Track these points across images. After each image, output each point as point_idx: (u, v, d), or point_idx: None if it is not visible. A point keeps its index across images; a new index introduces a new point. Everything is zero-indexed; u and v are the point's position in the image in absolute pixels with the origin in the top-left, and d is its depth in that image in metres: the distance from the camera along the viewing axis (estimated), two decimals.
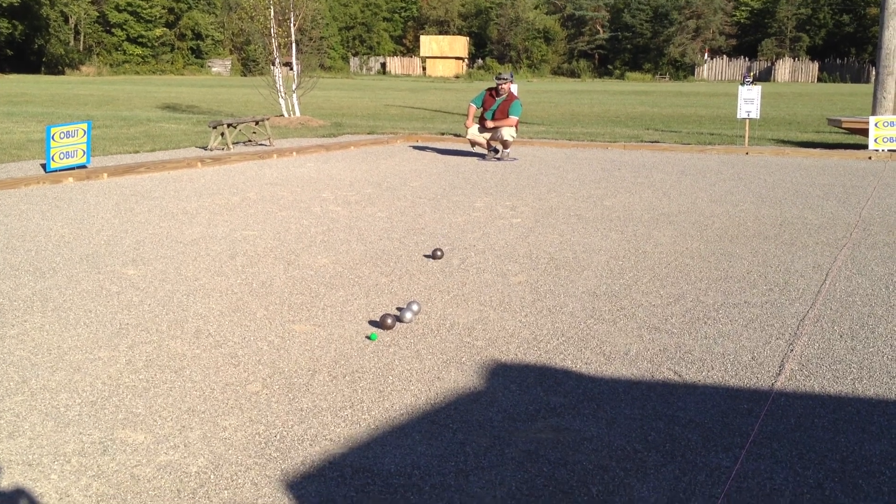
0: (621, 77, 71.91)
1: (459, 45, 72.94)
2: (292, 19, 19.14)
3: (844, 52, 71.05)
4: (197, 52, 70.29)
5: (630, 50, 74.59)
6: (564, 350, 4.22)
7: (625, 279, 5.64)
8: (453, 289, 5.36)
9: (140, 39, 66.39)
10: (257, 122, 14.79)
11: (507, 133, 12.63)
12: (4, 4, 56.61)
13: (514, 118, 12.61)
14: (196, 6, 69.89)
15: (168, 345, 4.24)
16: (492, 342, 4.33)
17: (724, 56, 74.40)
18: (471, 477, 2.90)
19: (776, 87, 55.64)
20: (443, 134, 16.85)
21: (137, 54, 66.71)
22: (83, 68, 63.03)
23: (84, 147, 10.67)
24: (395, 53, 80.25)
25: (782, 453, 3.10)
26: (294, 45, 19.33)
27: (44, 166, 10.65)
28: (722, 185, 10.30)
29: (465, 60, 73.94)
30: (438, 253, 5.92)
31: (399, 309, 4.78)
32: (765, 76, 69.59)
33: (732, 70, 72.06)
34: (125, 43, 66.34)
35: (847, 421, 3.39)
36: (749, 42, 75.85)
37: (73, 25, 65.37)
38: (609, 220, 7.84)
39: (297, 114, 19.34)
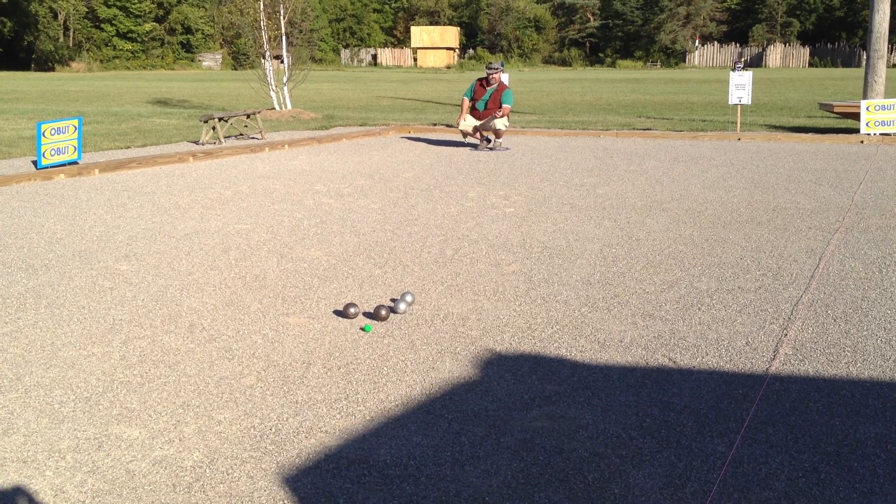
0: (612, 65, 71.85)
1: (450, 35, 72.76)
2: (282, 12, 19.08)
3: (835, 37, 71.08)
4: (187, 47, 69.99)
5: (621, 38, 74.49)
6: (559, 338, 4.22)
7: (618, 267, 5.64)
8: (447, 279, 5.36)
9: (130, 35, 66.05)
10: (249, 116, 14.75)
11: (500, 123, 12.62)
12: None
13: (507, 106, 12.60)
14: (185, 0, 69.57)
15: (162, 340, 4.23)
16: (486, 332, 4.33)
17: (715, 42, 74.38)
18: (467, 466, 2.90)
19: (767, 72, 55.64)
20: (435, 125, 16.82)
21: (127, 49, 66.38)
22: (73, 64, 62.75)
23: (75, 143, 10.63)
24: (385, 45, 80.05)
25: (777, 438, 3.10)
26: (284, 37, 19.27)
27: (35, 163, 10.61)
28: (714, 171, 10.30)
29: (456, 51, 73.77)
30: (352, 311, 4.52)
31: (393, 300, 4.77)
32: (756, 62, 69.59)
33: (723, 56, 72.07)
34: (115, 38, 66.00)
35: (842, 404, 3.40)
36: (740, 28, 75.83)
37: (62, 21, 65.01)
38: (602, 208, 7.84)
39: (289, 107, 19.29)
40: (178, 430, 3.20)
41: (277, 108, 19.06)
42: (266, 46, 19.07)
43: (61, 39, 64.88)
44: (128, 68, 64.40)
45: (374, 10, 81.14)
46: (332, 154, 12.42)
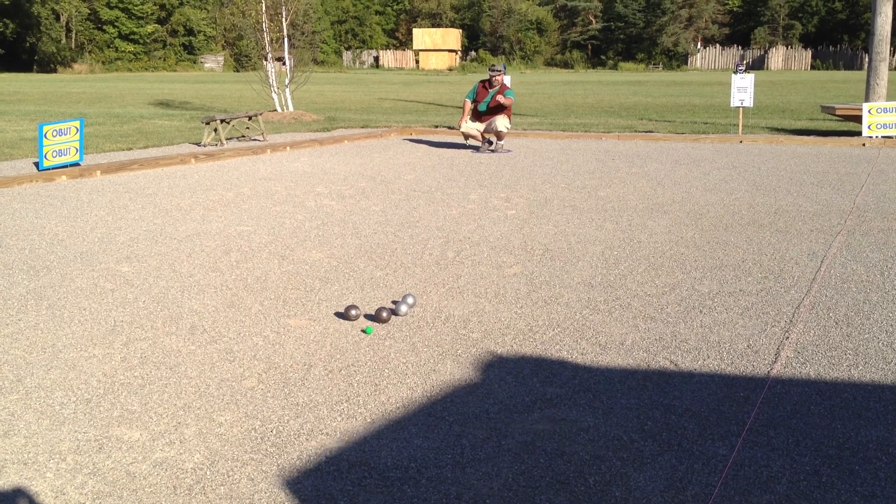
0: (615, 67, 71.85)
1: (452, 37, 72.74)
2: (284, 14, 19.09)
3: (837, 39, 71.07)
4: (189, 49, 70.04)
5: (623, 40, 74.50)
6: (560, 341, 4.22)
7: (620, 269, 5.64)
8: (448, 281, 5.35)
9: (132, 36, 66.11)
10: (250, 118, 14.76)
11: (502, 124, 12.62)
12: None
13: (510, 98, 12.60)
14: (188, 2, 69.62)
15: (163, 341, 4.23)
16: (487, 334, 4.33)
17: (717, 45, 74.38)
18: (468, 469, 2.90)
19: (769, 75, 55.64)
20: (437, 127, 16.82)
21: (129, 51, 66.43)
22: (75, 66, 62.77)
23: (77, 145, 10.64)
24: (387, 47, 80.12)
25: (778, 441, 3.10)
26: (286, 39, 19.29)
27: (37, 164, 10.61)
28: (716, 173, 10.30)
29: (458, 53, 73.78)
30: (353, 313, 4.52)
31: (394, 302, 4.77)
32: (758, 64, 69.58)
33: (725, 59, 72.06)
34: (117, 40, 66.04)
35: (843, 407, 3.39)
36: (742, 30, 75.84)
37: (64, 23, 65.05)
38: (604, 210, 7.84)
39: (291, 108, 19.30)
40: (178, 432, 3.19)
41: (279, 109, 19.07)
42: (268, 48, 19.08)
43: (63, 41, 64.93)
44: (130, 70, 64.44)
45: (377, 13, 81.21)
46: (334, 156, 12.42)
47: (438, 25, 76.63)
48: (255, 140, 14.42)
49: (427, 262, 5.88)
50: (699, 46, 73.81)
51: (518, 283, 5.31)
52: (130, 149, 12.98)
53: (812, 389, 3.58)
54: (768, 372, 3.78)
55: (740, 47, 73.14)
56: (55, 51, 62.79)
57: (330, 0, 75.39)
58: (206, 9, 70.37)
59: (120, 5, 65.00)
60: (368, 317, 4.59)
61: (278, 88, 19.25)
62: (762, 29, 74.01)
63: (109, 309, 4.78)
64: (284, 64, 19.57)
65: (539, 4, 78.05)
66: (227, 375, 3.77)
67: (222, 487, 2.79)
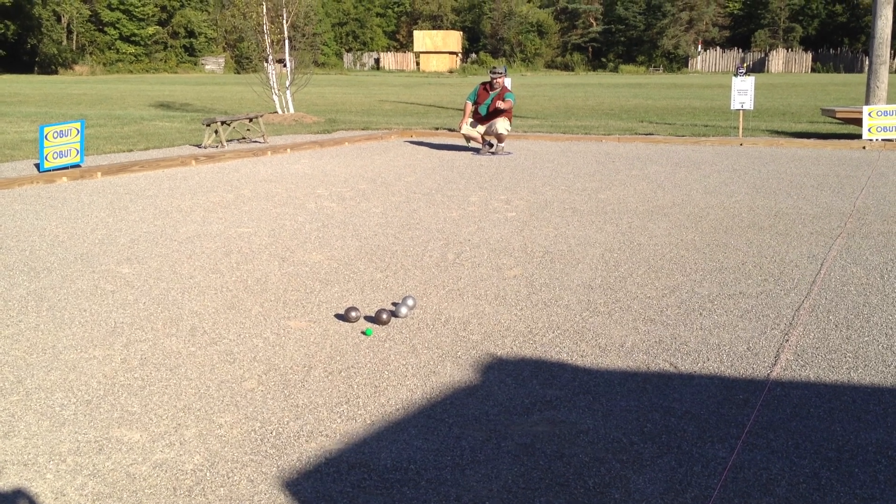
0: (615, 70, 71.85)
1: (453, 39, 72.73)
2: (285, 16, 19.11)
3: (838, 42, 71.06)
4: (190, 50, 70.05)
5: (624, 42, 74.51)
6: (560, 343, 4.22)
7: (620, 271, 5.64)
8: (448, 283, 5.36)
9: (133, 38, 66.15)
10: (251, 120, 14.77)
11: (502, 126, 12.62)
12: None
13: (509, 101, 12.61)
14: (189, 4, 69.64)
15: (163, 343, 4.23)
16: (487, 336, 4.33)
17: (718, 47, 74.36)
18: (467, 471, 2.90)
19: (770, 77, 55.65)
20: (437, 129, 16.83)
21: (130, 53, 66.46)
22: (76, 67, 62.80)
23: (77, 146, 10.65)
24: (388, 49, 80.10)
25: (778, 443, 3.10)
26: (287, 41, 19.30)
27: (37, 166, 10.62)
28: (716, 176, 10.30)
29: (459, 55, 73.78)
30: (353, 314, 4.54)
31: (394, 304, 4.77)
32: (758, 67, 69.57)
33: (726, 61, 72.03)
34: (118, 42, 66.08)
35: (843, 410, 3.40)
36: (742, 33, 75.83)
37: (65, 25, 65.08)
38: (604, 212, 7.84)
39: (291, 110, 19.31)
40: (178, 434, 3.20)
41: (280, 111, 19.08)
42: (269, 50, 19.09)
43: (64, 42, 64.96)
44: (131, 71, 64.46)
45: (377, 15, 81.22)
46: (335, 158, 12.43)
47: (439, 28, 76.61)
48: (255, 142, 14.43)
49: (427, 264, 5.89)
50: (699, 49, 73.80)
51: (518, 285, 5.32)
52: (131, 150, 12.99)
53: (812, 392, 3.58)
54: (768, 374, 3.78)
55: (741, 50, 73.12)
56: (56, 52, 62.82)
57: (331, 2, 75.41)
58: (206, 11, 70.39)
59: (121, 7, 65.04)
60: (368, 318, 4.59)
61: (279, 90, 19.26)
62: (762, 32, 74.00)
63: (110, 310, 4.79)
64: (285, 66, 19.58)
65: (540, 7, 78.08)
66: (227, 377, 3.77)
67: (222, 489, 2.79)
